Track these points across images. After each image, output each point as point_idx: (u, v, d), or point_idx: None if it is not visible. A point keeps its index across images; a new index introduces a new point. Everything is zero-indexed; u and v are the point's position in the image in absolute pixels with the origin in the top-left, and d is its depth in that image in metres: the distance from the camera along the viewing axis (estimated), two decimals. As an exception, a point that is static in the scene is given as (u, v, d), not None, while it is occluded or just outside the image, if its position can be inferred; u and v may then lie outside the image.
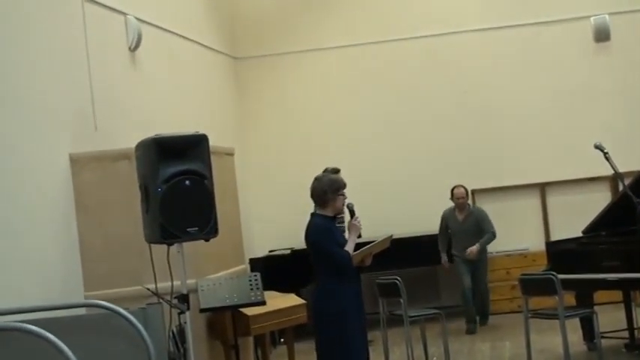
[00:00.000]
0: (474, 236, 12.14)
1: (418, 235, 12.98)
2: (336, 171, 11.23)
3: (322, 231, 7.42)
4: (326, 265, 7.43)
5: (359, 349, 7.45)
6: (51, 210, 7.58)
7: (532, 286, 9.33)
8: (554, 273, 9.12)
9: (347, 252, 7.37)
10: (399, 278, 10.15)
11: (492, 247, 12.61)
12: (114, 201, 8.01)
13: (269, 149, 14.09)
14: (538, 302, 9.77)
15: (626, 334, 9.83)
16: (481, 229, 12.17)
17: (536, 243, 12.73)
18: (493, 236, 12.18)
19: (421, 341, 10.47)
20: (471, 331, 11.93)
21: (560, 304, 9.01)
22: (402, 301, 10.07)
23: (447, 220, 12.38)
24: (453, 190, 12.31)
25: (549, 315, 9.39)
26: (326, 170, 11.36)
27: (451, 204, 12.38)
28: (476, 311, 12.17)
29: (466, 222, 12.23)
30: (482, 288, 12.31)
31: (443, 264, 12.49)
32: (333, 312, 7.36)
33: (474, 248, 12.02)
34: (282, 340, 11.18)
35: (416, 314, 10.32)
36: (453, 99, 13.80)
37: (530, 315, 9.36)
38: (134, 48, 9.68)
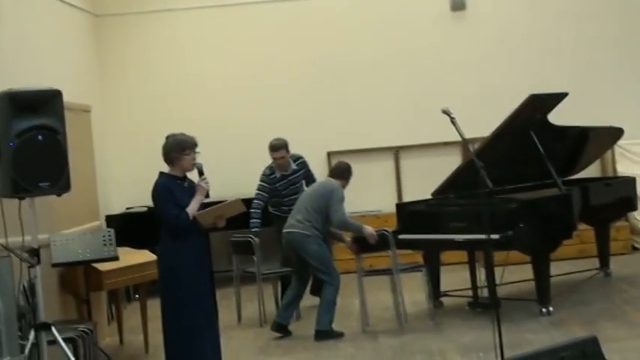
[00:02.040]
0: None
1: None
2: None
3: (161, 191, 7.50)
4: (163, 223, 7.56)
5: (196, 307, 7.52)
6: None
7: (366, 243, 9.59)
8: (387, 229, 9.49)
9: (185, 212, 7.43)
10: (252, 236, 10.35)
11: (347, 208, 12.51)
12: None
13: (129, 107, 14.03)
14: (383, 261, 10.12)
15: (470, 292, 10.24)
16: None
17: (389, 205, 12.91)
18: None
19: (273, 298, 10.72)
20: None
21: (392, 259, 9.43)
22: (255, 258, 10.29)
23: None
24: None
25: (383, 271, 9.79)
26: None
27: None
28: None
29: None
30: None
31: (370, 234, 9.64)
32: (170, 270, 7.53)
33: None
34: (137, 296, 11.26)
35: (268, 271, 10.54)
36: (309, 64, 13.96)
37: (363, 273, 9.68)
38: (-10, 1, 9.57)
